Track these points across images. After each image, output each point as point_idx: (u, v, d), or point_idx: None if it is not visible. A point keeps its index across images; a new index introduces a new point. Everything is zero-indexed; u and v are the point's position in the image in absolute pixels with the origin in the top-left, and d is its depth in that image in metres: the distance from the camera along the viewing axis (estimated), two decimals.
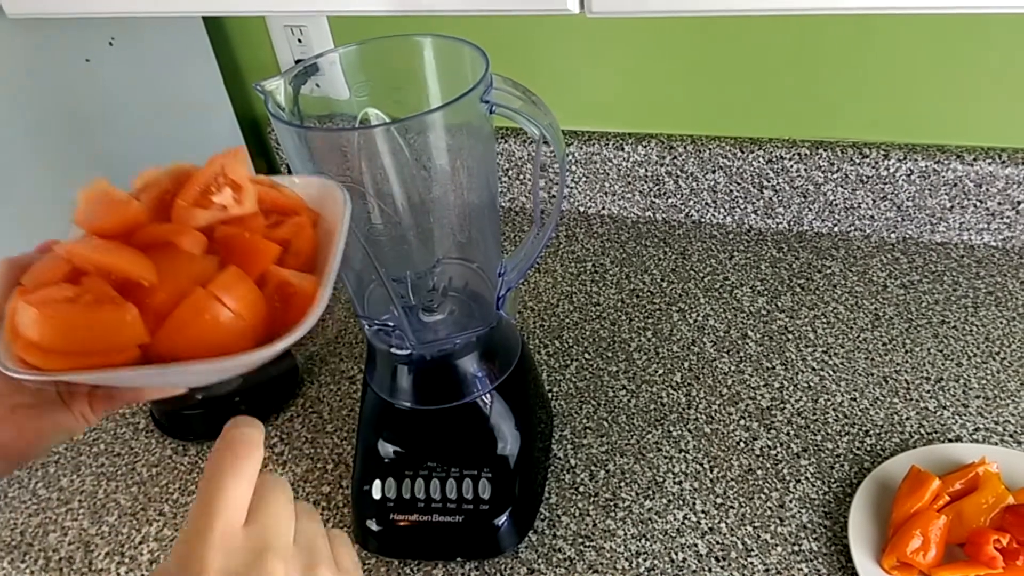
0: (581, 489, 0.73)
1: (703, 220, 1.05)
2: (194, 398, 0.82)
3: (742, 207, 1.02)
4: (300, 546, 0.38)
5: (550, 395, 0.83)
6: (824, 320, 0.88)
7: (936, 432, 0.74)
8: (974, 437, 0.73)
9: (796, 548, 0.66)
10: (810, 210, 1.00)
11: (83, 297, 0.36)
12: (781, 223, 1.02)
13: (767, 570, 0.65)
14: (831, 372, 0.81)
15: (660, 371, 0.84)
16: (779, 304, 0.91)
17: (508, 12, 0.57)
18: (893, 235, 0.98)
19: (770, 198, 1.00)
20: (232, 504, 0.36)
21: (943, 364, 0.81)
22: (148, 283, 0.37)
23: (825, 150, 0.95)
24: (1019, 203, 0.91)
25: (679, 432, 0.77)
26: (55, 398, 0.47)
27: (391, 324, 0.65)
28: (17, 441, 0.45)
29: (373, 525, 0.68)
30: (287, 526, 0.37)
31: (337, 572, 0.39)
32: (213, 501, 0.35)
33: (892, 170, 0.93)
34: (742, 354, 0.85)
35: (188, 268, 0.38)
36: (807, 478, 0.71)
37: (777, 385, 0.81)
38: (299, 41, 1.09)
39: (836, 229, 1.00)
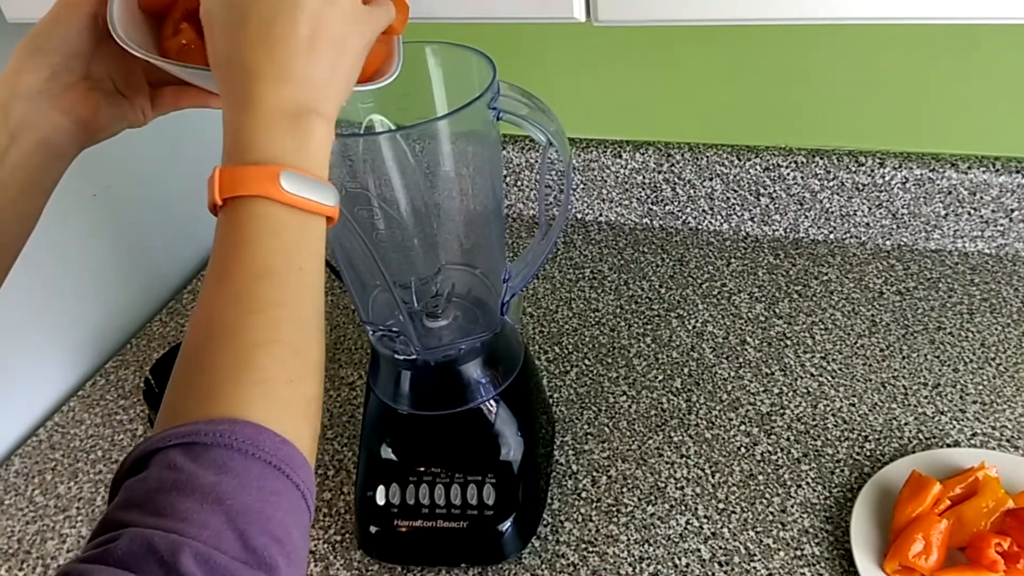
0: (583, 495, 0.73)
1: (700, 227, 1.06)
2: None
3: (739, 214, 1.03)
4: None
5: (551, 401, 0.83)
6: (822, 326, 0.88)
7: (934, 437, 0.75)
8: (972, 442, 0.74)
9: (798, 553, 0.66)
10: (806, 217, 1.00)
11: None
12: (778, 230, 1.03)
13: (770, 574, 0.65)
14: (830, 378, 0.82)
15: (660, 377, 0.85)
16: (777, 310, 0.91)
17: (516, 20, 0.57)
18: (888, 242, 0.99)
19: (767, 205, 1.01)
20: None
21: (940, 370, 0.82)
22: None
23: (821, 158, 0.96)
24: (1012, 211, 0.92)
25: (680, 438, 0.78)
26: (115, 92, 0.52)
27: (396, 330, 0.66)
28: (93, 122, 0.51)
29: (377, 531, 0.68)
30: None
31: None
32: None
33: (887, 178, 0.94)
34: (741, 360, 0.85)
35: None
36: (808, 483, 0.72)
37: (776, 391, 0.81)
38: None
39: (832, 236, 1.01)
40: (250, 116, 0.40)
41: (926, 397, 0.79)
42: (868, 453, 0.74)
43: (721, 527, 0.69)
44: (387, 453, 0.69)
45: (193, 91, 0.55)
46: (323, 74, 0.42)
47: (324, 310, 0.42)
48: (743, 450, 0.76)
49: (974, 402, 0.78)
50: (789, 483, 0.72)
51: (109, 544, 0.31)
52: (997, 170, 0.90)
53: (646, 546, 0.68)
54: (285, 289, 0.39)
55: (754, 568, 0.66)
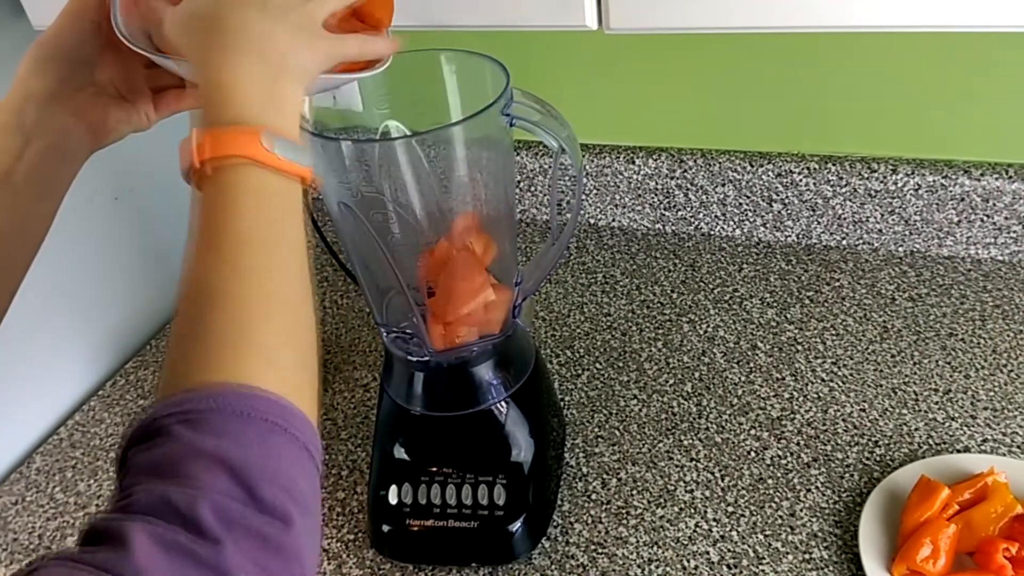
0: (593, 497, 0.74)
1: (712, 233, 1.07)
2: None
3: (751, 220, 1.04)
4: None
5: (562, 404, 0.84)
6: (833, 332, 0.89)
7: (944, 443, 0.75)
8: (982, 448, 0.74)
9: (807, 556, 0.67)
10: (819, 223, 1.01)
11: None
12: (790, 236, 1.03)
13: None
14: (840, 383, 0.82)
15: (671, 381, 0.85)
16: (788, 316, 0.92)
17: (528, 28, 0.58)
18: (901, 249, 0.99)
19: (779, 211, 1.01)
20: None
21: (951, 376, 0.82)
22: None
23: (834, 164, 0.96)
24: None
25: (690, 441, 0.78)
26: (119, 96, 0.54)
27: (409, 332, 0.67)
28: (102, 126, 0.53)
29: (389, 530, 0.69)
30: None
31: None
32: None
33: (900, 184, 0.94)
34: (752, 365, 0.86)
35: None
36: (817, 487, 0.72)
37: (787, 395, 0.82)
38: None
39: (844, 242, 1.01)
40: (223, 74, 0.42)
41: (937, 403, 0.79)
42: (878, 458, 0.74)
43: (730, 530, 0.70)
44: (400, 453, 0.70)
45: (193, 92, 0.57)
46: (285, 37, 0.44)
47: (310, 270, 0.43)
48: (753, 454, 0.76)
49: (985, 408, 0.78)
50: (798, 487, 0.72)
51: (127, 500, 0.32)
52: (1010, 177, 0.90)
53: (655, 548, 0.69)
54: (274, 252, 0.40)
55: (762, 571, 0.66)
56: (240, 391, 0.36)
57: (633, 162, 1.04)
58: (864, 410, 0.79)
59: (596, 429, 0.81)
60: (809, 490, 0.72)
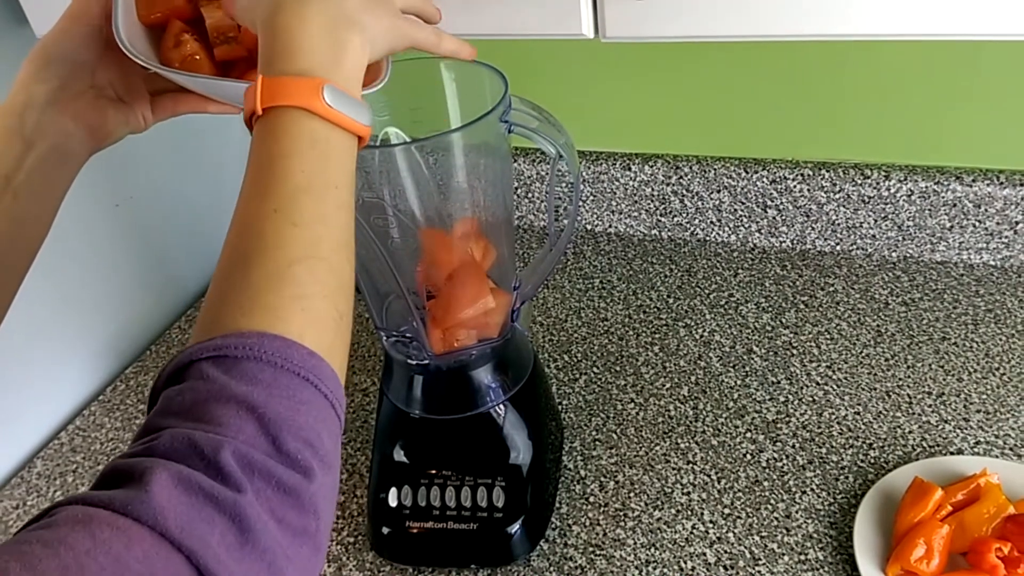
0: (591, 499, 0.75)
1: (708, 238, 1.08)
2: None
3: (746, 226, 1.05)
4: None
5: (560, 407, 0.84)
6: (828, 336, 0.90)
7: (938, 445, 0.76)
8: (975, 450, 0.75)
9: (802, 557, 0.67)
10: (813, 229, 1.02)
11: None
12: (785, 242, 1.04)
13: None
14: (835, 387, 0.83)
15: (667, 385, 0.86)
16: (783, 320, 0.93)
17: (526, 36, 0.59)
18: (894, 254, 1.00)
19: (774, 217, 1.03)
20: None
21: (944, 379, 0.83)
22: None
23: (827, 171, 0.97)
24: (1017, 223, 0.93)
25: (687, 444, 0.79)
26: (117, 99, 0.55)
27: (409, 335, 0.67)
28: (101, 128, 0.54)
29: (388, 532, 0.69)
30: None
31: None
32: None
33: (893, 190, 0.96)
34: (748, 369, 0.87)
35: None
36: (812, 489, 0.73)
37: (782, 399, 0.83)
38: None
39: (838, 248, 1.02)
40: (294, 26, 0.42)
41: (930, 406, 0.80)
42: (872, 460, 0.75)
43: (726, 532, 0.70)
44: (399, 456, 0.71)
45: (190, 97, 0.58)
46: (361, 6, 0.44)
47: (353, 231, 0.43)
48: (749, 457, 0.77)
49: (978, 411, 0.79)
50: (794, 489, 0.73)
51: (151, 442, 0.33)
52: (1001, 183, 0.91)
53: (652, 550, 0.70)
54: (324, 205, 0.40)
55: (758, 572, 0.67)
56: (277, 341, 0.36)
57: (629, 168, 1.05)
58: (858, 413, 0.80)
59: (594, 432, 0.81)
60: (804, 492, 0.73)
